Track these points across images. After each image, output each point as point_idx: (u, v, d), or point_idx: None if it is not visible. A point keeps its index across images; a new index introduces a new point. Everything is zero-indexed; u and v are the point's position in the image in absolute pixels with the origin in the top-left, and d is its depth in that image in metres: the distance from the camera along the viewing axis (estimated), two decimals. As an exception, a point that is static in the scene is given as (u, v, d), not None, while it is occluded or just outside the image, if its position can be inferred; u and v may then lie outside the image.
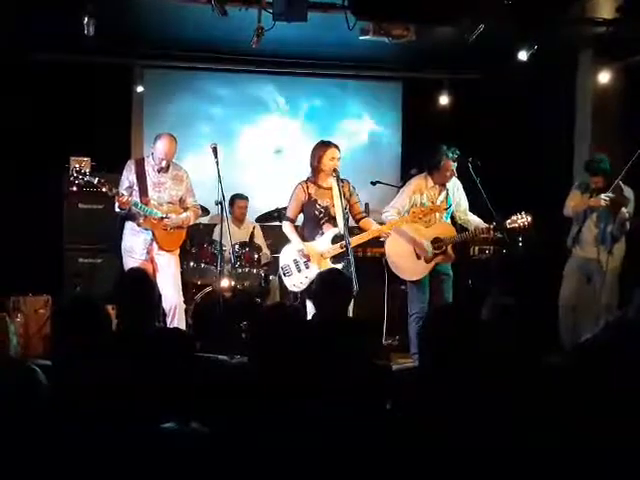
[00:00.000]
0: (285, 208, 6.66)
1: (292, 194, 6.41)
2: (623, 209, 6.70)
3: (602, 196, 6.72)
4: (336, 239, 6.18)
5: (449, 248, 6.64)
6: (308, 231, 6.33)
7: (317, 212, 6.25)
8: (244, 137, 9.91)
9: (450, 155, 6.57)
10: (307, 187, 6.29)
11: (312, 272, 6.12)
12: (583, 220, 6.91)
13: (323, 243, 6.23)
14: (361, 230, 6.39)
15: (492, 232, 6.71)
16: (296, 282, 6.29)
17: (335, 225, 6.22)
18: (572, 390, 2.76)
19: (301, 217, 6.46)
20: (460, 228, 6.84)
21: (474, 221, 6.78)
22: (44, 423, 2.84)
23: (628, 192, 6.78)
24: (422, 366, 3.27)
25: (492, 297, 7.08)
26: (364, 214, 6.53)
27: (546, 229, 7.08)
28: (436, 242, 6.61)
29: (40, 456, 2.64)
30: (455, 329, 3.10)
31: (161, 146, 6.46)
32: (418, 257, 6.66)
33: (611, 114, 8.07)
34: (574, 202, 7.00)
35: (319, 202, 6.25)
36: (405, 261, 6.72)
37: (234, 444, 2.89)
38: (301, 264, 6.24)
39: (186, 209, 6.64)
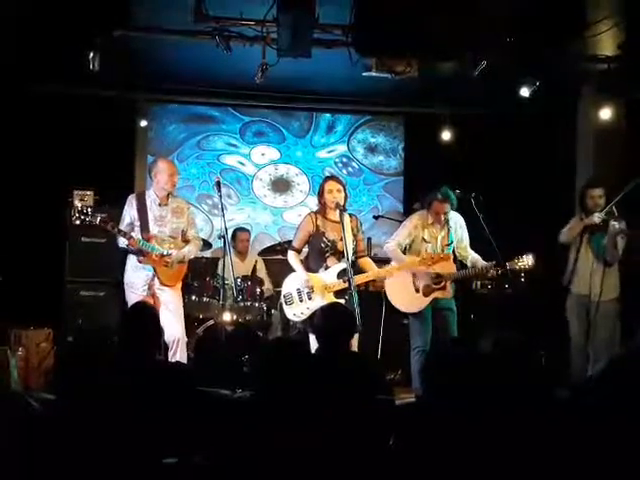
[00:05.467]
0: (288, 242, 6.67)
1: (300, 224, 6.47)
2: (612, 222, 6.65)
3: (596, 214, 6.70)
4: (342, 274, 6.18)
5: (448, 284, 6.64)
6: (312, 263, 6.35)
7: (323, 245, 6.26)
8: (248, 169, 10.00)
9: (440, 197, 6.57)
10: (315, 218, 6.33)
11: (314, 304, 6.11)
12: (577, 251, 6.88)
13: (329, 276, 6.23)
14: (358, 267, 6.39)
15: (492, 271, 6.67)
16: (297, 312, 6.29)
17: (339, 259, 6.22)
18: (578, 426, 2.75)
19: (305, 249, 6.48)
20: (460, 264, 6.83)
21: (473, 258, 6.78)
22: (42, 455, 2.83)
23: (622, 222, 6.78)
24: (425, 401, 3.26)
25: (494, 332, 7.11)
26: (365, 253, 6.58)
27: (548, 263, 7.07)
28: (436, 278, 6.61)
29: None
30: (458, 364, 3.10)
31: (164, 166, 6.50)
32: (417, 290, 6.65)
33: (613, 150, 8.07)
34: (570, 226, 6.97)
35: (327, 235, 6.27)
36: (403, 294, 6.70)
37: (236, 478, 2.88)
38: (304, 294, 6.23)
39: (187, 241, 6.63)
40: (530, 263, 6.58)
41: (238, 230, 8.61)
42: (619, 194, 6.66)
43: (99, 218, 6.25)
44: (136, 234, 6.34)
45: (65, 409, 3.19)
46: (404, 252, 6.70)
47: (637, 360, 3.04)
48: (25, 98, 8.18)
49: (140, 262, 6.39)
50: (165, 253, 6.38)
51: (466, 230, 6.85)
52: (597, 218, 6.68)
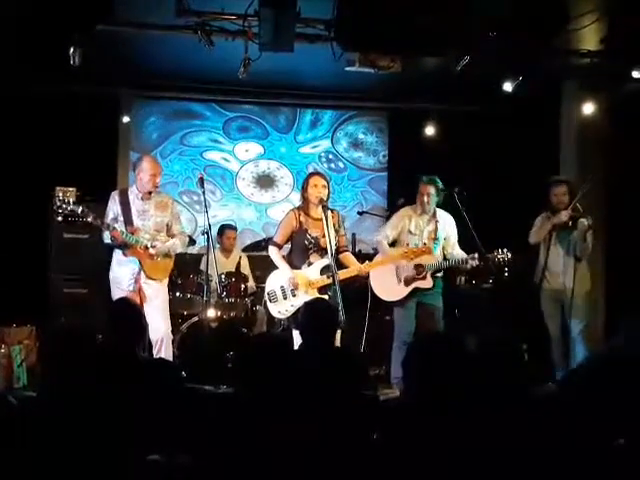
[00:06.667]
0: (271, 238, 6.66)
1: (282, 220, 6.44)
2: (581, 219, 6.75)
3: (563, 213, 6.80)
4: (324, 270, 6.18)
5: (428, 274, 6.73)
6: (295, 259, 6.33)
7: (307, 242, 6.25)
8: (232, 166, 9.97)
9: (425, 180, 6.78)
10: (299, 215, 6.31)
11: (298, 301, 6.10)
12: (548, 249, 6.94)
13: (312, 273, 6.22)
14: (339, 262, 6.38)
15: (470, 262, 6.72)
16: (281, 309, 6.28)
17: (322, 256, 6.21)
18: (559, 421, 2.75)
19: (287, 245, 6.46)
20: (444, 259, 6.88)
21: (457, 254, 6.84)
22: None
23: (589, 218, 6.85)
24: (407, 396, 3.25)
25: (478, 327, 7.13)
26: (347, 248, 6.56)
27: (531, 257, 7.10)
28: (417, 268, 6.70)
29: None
30: (441, 359, 3.09)
31: (148, 166, 6.45)
32: (399, 280, 6.76)
33: (595, 144, 8.11)
34: (538, 226, 7.06)
35: (309, 232, 6.26)
36: (385, 283, 6.82)
37: (219, 475, 2.86)
38: (288, 291, 6.22)
39: (173, 236, 6.59)
40: (508, 257, 6.68)
41: (226, 228, 8.57)
42: (581, 191, 6.81)
43: (81, 208, 6.20)
44: (120, 228, 6.30)
45: (47, 406, 3.17)
46: (393, 244, 6.79)
47: (617, 359, 3.06)
48: (6, 95, 8.11)
49: (125, 255, 6.35)
50: (150, 245, 6.34)
51: (455, 229, 6.93)
52: (565, 217, 6.80)
